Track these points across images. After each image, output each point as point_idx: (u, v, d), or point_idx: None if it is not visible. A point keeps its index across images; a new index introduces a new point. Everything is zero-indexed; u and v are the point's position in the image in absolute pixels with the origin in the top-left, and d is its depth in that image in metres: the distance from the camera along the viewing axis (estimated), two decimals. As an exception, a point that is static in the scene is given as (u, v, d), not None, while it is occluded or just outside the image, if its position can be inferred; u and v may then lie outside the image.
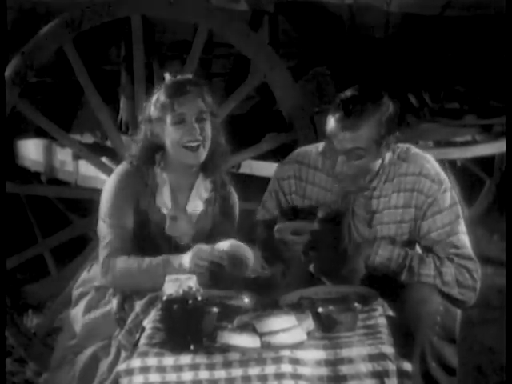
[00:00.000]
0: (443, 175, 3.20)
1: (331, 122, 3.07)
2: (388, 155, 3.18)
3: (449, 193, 3.17)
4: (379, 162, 3.16)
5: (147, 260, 3.12)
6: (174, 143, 3.21)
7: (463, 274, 3.12)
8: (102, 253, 3.20)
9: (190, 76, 3.31)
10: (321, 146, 3.28)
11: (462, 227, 3.20)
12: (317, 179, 3.26)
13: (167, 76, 3.25)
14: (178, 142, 3.20)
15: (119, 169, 3.31)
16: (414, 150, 3.24)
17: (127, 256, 3.15)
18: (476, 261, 3.15)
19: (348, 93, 3.09)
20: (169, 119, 3.19)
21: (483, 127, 5.25)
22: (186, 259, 3.08)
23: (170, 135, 3.21)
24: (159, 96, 3.23)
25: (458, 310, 3.11)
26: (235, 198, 3.43)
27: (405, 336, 2.91)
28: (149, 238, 3.26)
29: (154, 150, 3.26)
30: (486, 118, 5.31)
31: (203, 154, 3.23)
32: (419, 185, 3.16)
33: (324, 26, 4.53)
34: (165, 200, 3.28)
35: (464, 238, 3.18)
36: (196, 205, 3.31)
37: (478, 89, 5.33)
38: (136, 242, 3.22)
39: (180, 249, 3.22)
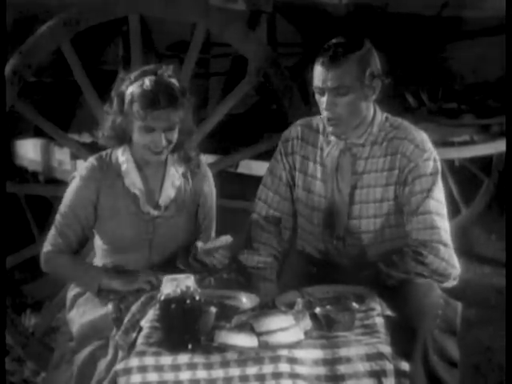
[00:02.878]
0: (430, 146, 3.24)
1: (316, 68, 3.17)
2: (379, 117, 3.25)
3: (431, 162, 3.20)
4: (369, 113, 3.22)
5: (82, 268, 3.32)
6: (139, 144, 3.23)
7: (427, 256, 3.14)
8: (47, 243, 3.33)
9: (170, 82, 3.19)
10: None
11: (437, 194, 3.19)
12: (316, 141, 3.33)
13: (146, 81, 3.17)
14: (142, 145, 3.22)
15: (83, 166, 3.37)
16: (407, 122, 3.31)
17: (69, 256, 3.30)
18: (438, 228, 3.15)
19: (330, 42, 3.19)
20: (137, 124, 3.18)
21: (481, 127, 5.26)
22: (116, 284, 3.22)
23: (136, 135, 3.22)
24: (133, 96, 3.17)
25: (458, 302, 3.12)
26: (210, 177, 3.45)
27: (406, 333, 2.92)
28: (124, 218, 3.29)
29: (123, 132, 3.27)
30: (484, 117, 5.31)
31: (165, 154, 3.25)
32: (403, 148, 3.21)
33: (322, 26, 4.53)
34: (133, 179, 3.30)
35: (434, 204, 3.17)
36: (169, 194, 3.34)
37: (475, 88, 5.33)
38: (110, 226, 3.29)
39: (156, 223, 3.30)
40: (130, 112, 3.18)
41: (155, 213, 3.31)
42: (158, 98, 3.13)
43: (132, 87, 3.19)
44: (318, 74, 3.15)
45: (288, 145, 3.36)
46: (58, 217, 3.33)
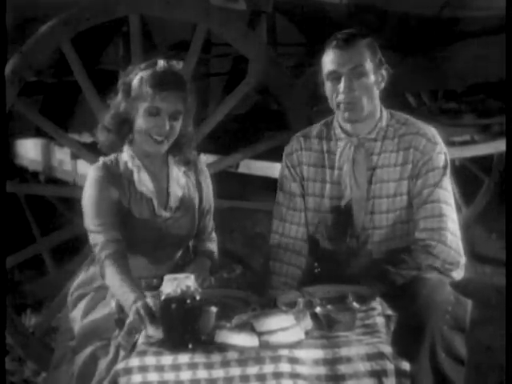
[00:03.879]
0: (439, 139, 3.28)
1: (328, 53, 3.19)
2: (385, 113, 3.29)
3: (443, 155, 3.25)
4: (378, 107, 3.26)
5: (123, 288, 3.09)
6: (142, 129, 3.22)
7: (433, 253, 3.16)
8: (97, 249, 3.18)
9: (180, 70, 3.25)
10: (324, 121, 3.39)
11: (446, 184, 3.24)
12: (320, 146, 3.34)
13: (160, 63, 3.20)
14: (145, 130, 3.21)
15: (91, 174, 3.27)
16: (413, 118, 3.35)
17: (117, 269, 3.12)
18: (445, 220, 3.18)
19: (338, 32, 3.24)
20: (144, 106, 3.18)
21: (481, 127, 5.26)
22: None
23: (140, 120, 3.21)
24: (143, 78, 3.19)
25: (468, 300, 3.13)
26: (207, 174, 3.44)
27: (414, 330, 2.93)
28: (137, 222, 3.26)
29: (124, 124, 3.25)
30: (485, 117, 5.31)
31: (166, 146, 3.25)
32: (416, 142, 3.24)
33: (322, 26, 4.53)
34: (145, 183, 3.29)
35: (443, 193, 3.21)
36: (177, 194, 3.33)
37: (476, 88, 5.33)
38: (124, 231, 3.23)
39: (167, 225, 3.28)
40: (138, 94, 3.18)
41: (167, 214, 3.30)
42: (168, 79, 3.17)
43: (142, 72, 3.21)
44: (332, 57, 3.18)
45: (293, 157, 3.37)
46: (88, 226, 3.20)
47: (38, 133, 4.53)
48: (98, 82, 3.98)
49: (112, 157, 3.32)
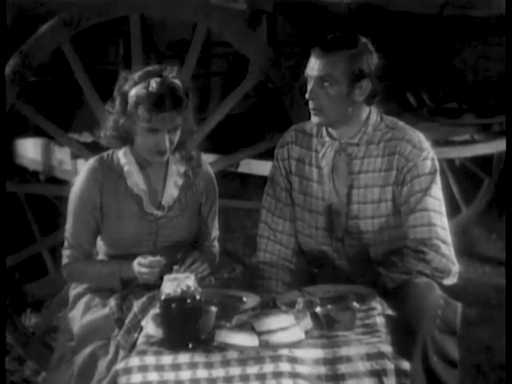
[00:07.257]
0: (427, 145, 3.26)
1: (310, 57, 3.21)
2: (374, 117, 3.27)
3: (429, 161, 3.22)
4: (362, 112, 3.24)
5: (99, 269, 3.27)
6: (142, 145, 3.23)
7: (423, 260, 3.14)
8: (63, 256, 3.32)
9: (175, 84, 3.18)
10: None
11: (435, 192, 3.21)
12: (310, 144, 3.34)
13: (152, 84, 3.15)
14: (145, 146, 3.22)
15: (84, 168, 3.34)
16: (403, 123, 3.32)
17: (85, 261, 3.30)
18: (433, 228, 3.16)
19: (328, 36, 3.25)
20: (141, 126, 3.17)
21: (482, 126, 5.26)
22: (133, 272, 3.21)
23: (139, 137, 3.21)
24: (138, 98, 3.15)
25: (458, 303, 3.12)
26: (211, 176, 3.44)
27: (406, 333, 2.92)
28: (127, 219, 3.28)
29: (125, 133, 3.26)
30: (485, 117, 5.32)
31: (168, 155, 3.25)
32: (401, 148, 3.22)
33: (323, 25, 4.54)
34: (136, 180, 3.30)
35: (432, 202, 3.19)
36: (172, 193, 3.33)
37: (476, 88, 5.33)
38: (113, 227, 3.28)
39: (159, 223, 3.29)
40: (133, 113, 3.17)
41: (158, 213, 3.30)
42: (163, 101, 3.13)
43: (136, 88, 3.17)
44: (310, 61, 3.21)
45: (284, 150, 3.38)
46: (67, 227, 3.31)
47: (37, 132, 4.52)
48: (98, 81, 3.98)
49: (110, 151, 3.34)
